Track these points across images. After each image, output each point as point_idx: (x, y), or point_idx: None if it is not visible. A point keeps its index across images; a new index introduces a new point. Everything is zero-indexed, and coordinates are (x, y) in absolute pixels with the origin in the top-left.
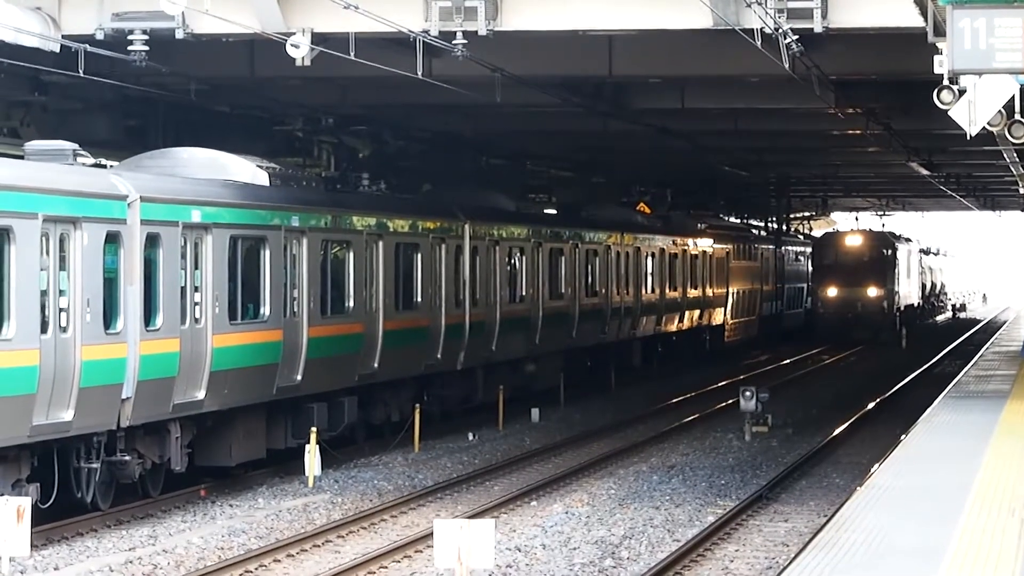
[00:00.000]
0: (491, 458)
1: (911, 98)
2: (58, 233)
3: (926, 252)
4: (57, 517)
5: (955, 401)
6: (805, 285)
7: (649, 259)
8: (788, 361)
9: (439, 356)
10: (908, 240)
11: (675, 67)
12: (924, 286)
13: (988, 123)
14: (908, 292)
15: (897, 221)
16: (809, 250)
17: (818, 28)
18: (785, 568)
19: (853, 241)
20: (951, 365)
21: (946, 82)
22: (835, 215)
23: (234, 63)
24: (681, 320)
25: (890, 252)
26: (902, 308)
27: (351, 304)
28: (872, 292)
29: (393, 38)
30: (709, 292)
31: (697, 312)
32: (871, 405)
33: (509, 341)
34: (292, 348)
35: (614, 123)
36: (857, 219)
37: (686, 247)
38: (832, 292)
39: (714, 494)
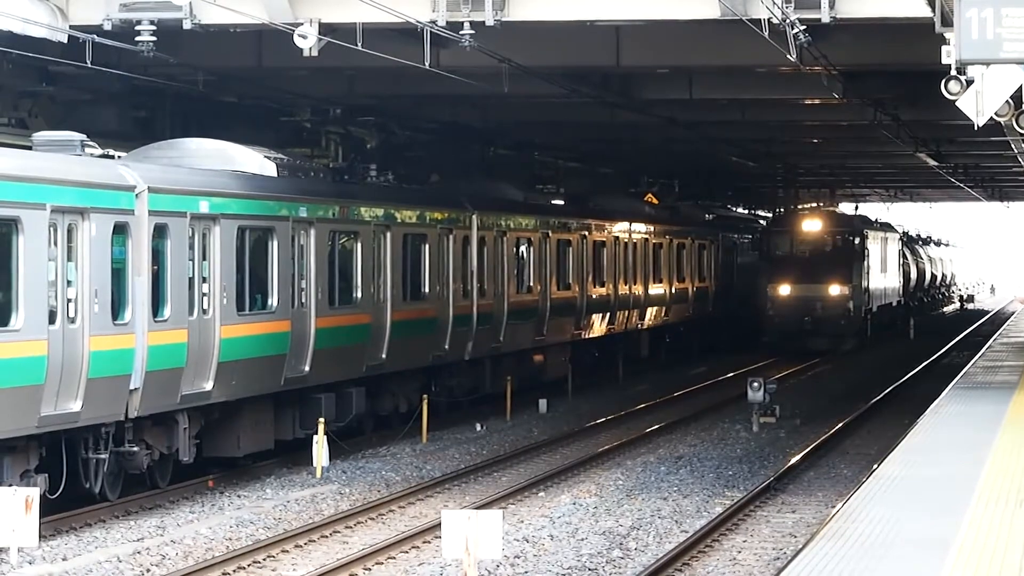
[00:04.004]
0: (499, 449)
1: (919, 88)
2: (66, 224)
3: (913, 240)
4: (65, 508)
5: (963, 392)
6: None
7: (655, 250)
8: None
9: (447, 347)
10: (886, 226)
11: (683, 57)
12: (909, 281)
13: (996, 113)
14: (884, 289)
15: (904, 211)
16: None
17: (825, 18)
18: (793, 559)
19: (811, 226)
20: (959, 356)
21: (953, 72)
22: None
23: (242, 54)
24: (689, 311)
25: (858, 240)
26: (874, 309)
27: (359, 295)
28: (834, 290)
29: (401, 28)
30: (716, 282)
31: (702, 303)
32: (879, 396)
33: (516, 332)
34: (300, 339)
35: (622, 114)
36: (820, 203)
37: (693, 237)
38: (785, 290)
39: (722, 485)
